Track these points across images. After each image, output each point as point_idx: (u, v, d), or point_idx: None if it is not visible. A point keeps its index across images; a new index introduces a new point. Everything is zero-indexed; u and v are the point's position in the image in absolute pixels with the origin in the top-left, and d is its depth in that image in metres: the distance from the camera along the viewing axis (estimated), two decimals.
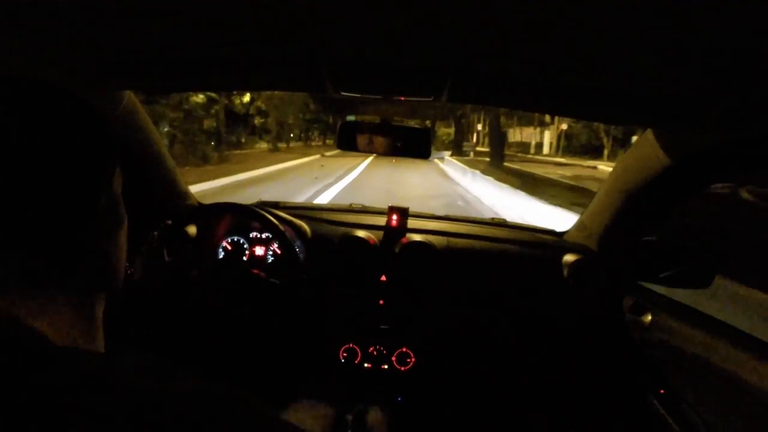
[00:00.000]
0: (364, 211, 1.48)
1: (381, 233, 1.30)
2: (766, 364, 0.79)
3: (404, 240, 1.27)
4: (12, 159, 0.31)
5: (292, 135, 30.50)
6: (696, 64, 0.60)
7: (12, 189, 0.31)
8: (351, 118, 1.14)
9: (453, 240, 1.31)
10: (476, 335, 1.27)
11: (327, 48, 0.69)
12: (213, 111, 15.80)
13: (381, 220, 1.35)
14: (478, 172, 12.03)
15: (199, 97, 14.15)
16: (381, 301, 1.23)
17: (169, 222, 1.08)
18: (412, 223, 1.35)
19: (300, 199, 8.57)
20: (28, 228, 0.32)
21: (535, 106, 1.17)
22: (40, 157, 0.32)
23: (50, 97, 0.36)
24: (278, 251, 1.27)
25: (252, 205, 1.29)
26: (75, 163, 0.34)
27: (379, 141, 1.05)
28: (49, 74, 0.76)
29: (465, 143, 31.29)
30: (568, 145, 32.20)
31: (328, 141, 37.11)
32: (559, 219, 6.00)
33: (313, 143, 36.45)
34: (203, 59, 0.79)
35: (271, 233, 1.25)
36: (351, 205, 1.52)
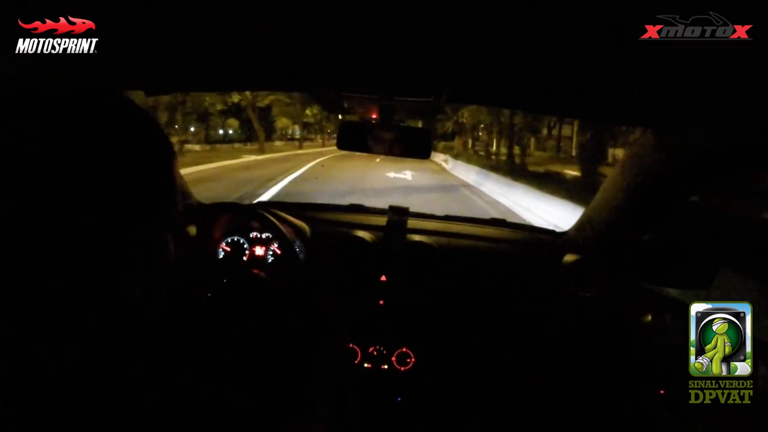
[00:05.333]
0: (364, 210, 1.48)
1: (381, 233, 1.30)
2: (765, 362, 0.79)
3: (404, 240, 1.27)
4: (68, 177, 0.29)
5: None
6: (696, 65, 0.60)
7: (54, 209, 0.29)
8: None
9: (453, 240, 1.31)
10: (476, 335, 1.27)
11: (327, 48, 0.69)
12: None
13: (381, 220, 1.35)
14: None
15: None
16: (381, 301, 1.23)
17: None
18: (412, 223, 1.35)
19: None
20: (58, 250, 0.30)
21: (535, 107, 1.17)
22: (94, 180, 0.30)
23: (125, 119, 0.33)
24: (278, 251, 1.27)
25: (252, 205, 1.29)
26: (128, 198, 0.32)
27: (379, 141, 1.05)
28: (48, 74, 0.76)
29: None
30: None
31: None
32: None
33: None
34: (202, 59, 0.79)
35: (271, 233, 1.25)
36: (351, 204, 1.52)
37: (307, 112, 31.34)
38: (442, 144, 32.30)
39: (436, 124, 26.06)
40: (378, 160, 18.64)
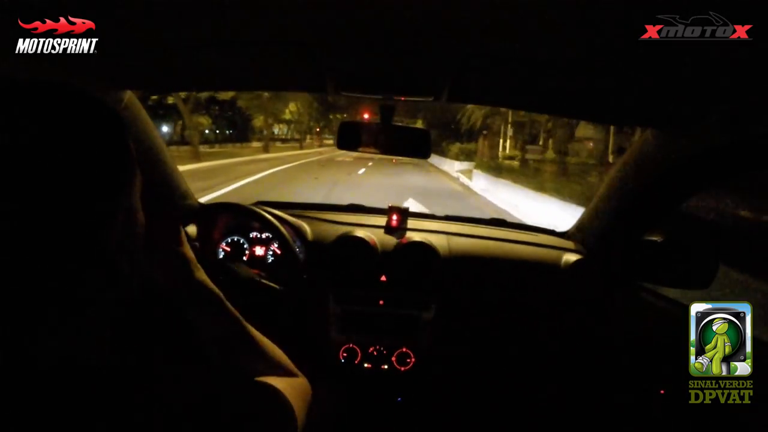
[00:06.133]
0: (364, 210, 1.48)
1: (381, 233, 1.30)
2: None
3: (404, 240, 1.27)
4: (26, 167, 0.30)
5: None
6: (696, 65, 0.60)
7: (23, 200, 0.29)
8: None
9: (453, 240, 1.31)
10: (476, 335, 1.28)
11: (328, 48, 0.69)
12: None
13: (381, 220, 1.35)
14: None
15: None
16: (381, 302, 1.23)
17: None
18: (412, 223, 1.35)
19: None
20: (40, 240, 0.30)
21: (535, 106, 1.18)
22: (55, 166, 0.31)
23: (70, 102, 0.34)
24: (278, 251, 1.27)
25: (251, 205, 1.29)
26: (92, 174, 0.33)
27: (379, 141, 1.05)
28: (48, 74, 0.76)
29: None
30: None
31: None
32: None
33: None
34: (204, 59, 0.79)
35: (271, 233, 1.25)
36: (351, 204, 1.52)
37: (286, 108, 26.23)
38: (455, 147, 21.51)
39: (458, 118, 18.14)
40: (362, 171, 13.67)
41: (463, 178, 12.99)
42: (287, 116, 29.16)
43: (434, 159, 20.72)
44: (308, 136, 37.70)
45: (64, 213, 0.31)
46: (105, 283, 0.35)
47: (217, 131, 27.56)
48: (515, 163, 15.93)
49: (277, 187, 10.21)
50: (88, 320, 0.34)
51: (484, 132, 18.67)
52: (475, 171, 12.66)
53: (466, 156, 18.79)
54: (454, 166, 16.13)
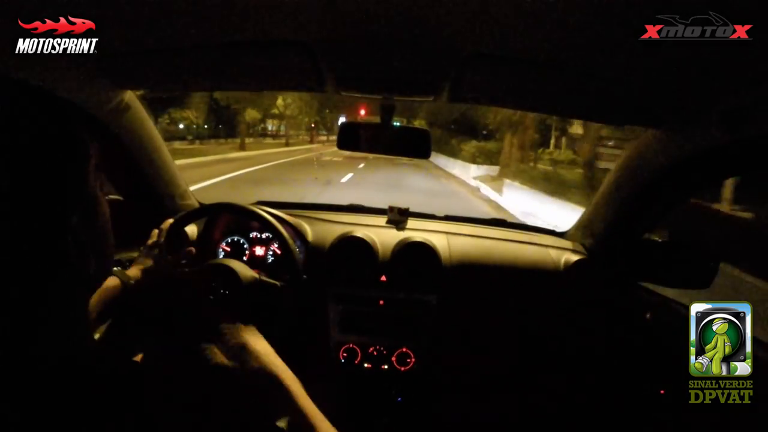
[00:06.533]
0: (364, 210, 1.48)
1: (381, 233, 1.30)
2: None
3: (404, 240, 1.27)
4: None
5: None
6: (696, 65, 0.60)
7: None
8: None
9: (453, 240, 1.31)
10: (476, 335, 1.27)
11: (328, 48, 0.69)
12: None
13: (381, 220, 1.35)
14: None
15: None
16: (381, 302, 1.23)
17: (170, 220, 1.08)
18: (412, 223, 1.35)
19: None
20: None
21: (535, 106, 1.18)
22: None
23: (9, 95, 0.34)
24: (278, 251, 1.27)
25: (251, 204, 1.29)
26: (33, 166, 0.32)
27: (380, 141, 1.05)
28: (48, 73, 0.76)
29: None
30: None
31: None
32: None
33: None
34: (203, 59, 0.79)
35: (270, 233, 1.25)
36: (351, 204, 1.52)
37: (274, 102, 23.82)
38: (471, 146, 17.11)
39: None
40: (347, 179, 9.99)
41: (486, 189, 9.47)
42: (275, 110, 26.96)
43: (440, 160, 18.24)
44: (301, 132, 35.47)
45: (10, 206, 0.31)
46: (77, 274, 0.34)
47: (205, 126, 25.10)
48: (572, 174, 10.32)
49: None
50: (86, 319, 0.34)
51: (513, 128, 13.20)
52: (506, 181, 9.06)
53: (486, 157, 14.80)
54: (469, 171, 12.75)
